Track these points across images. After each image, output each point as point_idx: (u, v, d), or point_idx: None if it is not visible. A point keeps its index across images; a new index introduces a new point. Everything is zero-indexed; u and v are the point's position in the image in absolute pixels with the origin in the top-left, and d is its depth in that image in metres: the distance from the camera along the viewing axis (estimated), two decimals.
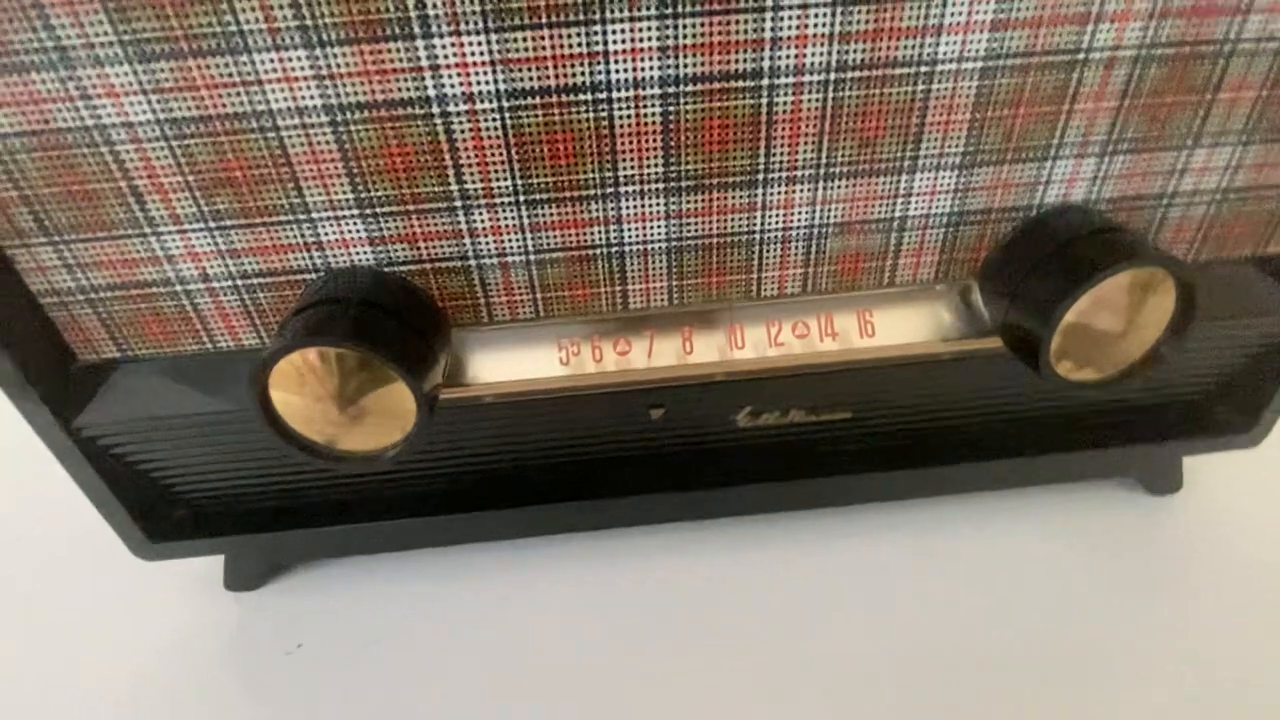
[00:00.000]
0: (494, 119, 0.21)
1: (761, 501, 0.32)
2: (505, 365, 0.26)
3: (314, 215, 0.23)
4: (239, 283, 0.24)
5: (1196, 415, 0.32)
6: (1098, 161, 0.24)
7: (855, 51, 0.21)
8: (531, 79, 0.21)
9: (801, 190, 0.23)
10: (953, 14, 0.21)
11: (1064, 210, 0.25)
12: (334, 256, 0.24)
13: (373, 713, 0.27)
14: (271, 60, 0.20)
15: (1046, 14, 0.21)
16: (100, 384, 0.26)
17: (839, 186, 0.23)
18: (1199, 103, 0.23)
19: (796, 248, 0.25)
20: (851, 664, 0.28)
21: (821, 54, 0.21)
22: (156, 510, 0.29)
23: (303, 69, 0.20)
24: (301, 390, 0.22)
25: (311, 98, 0.21)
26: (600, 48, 0.20)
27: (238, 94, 0.20)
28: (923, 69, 0.21)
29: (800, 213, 0.24)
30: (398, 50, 0.20)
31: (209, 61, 0.20)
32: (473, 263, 0.24)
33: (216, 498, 0.30)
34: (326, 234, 0.23)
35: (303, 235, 0.23)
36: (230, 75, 0.20)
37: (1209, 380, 0.31)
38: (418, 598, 0.31)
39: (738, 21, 0.20)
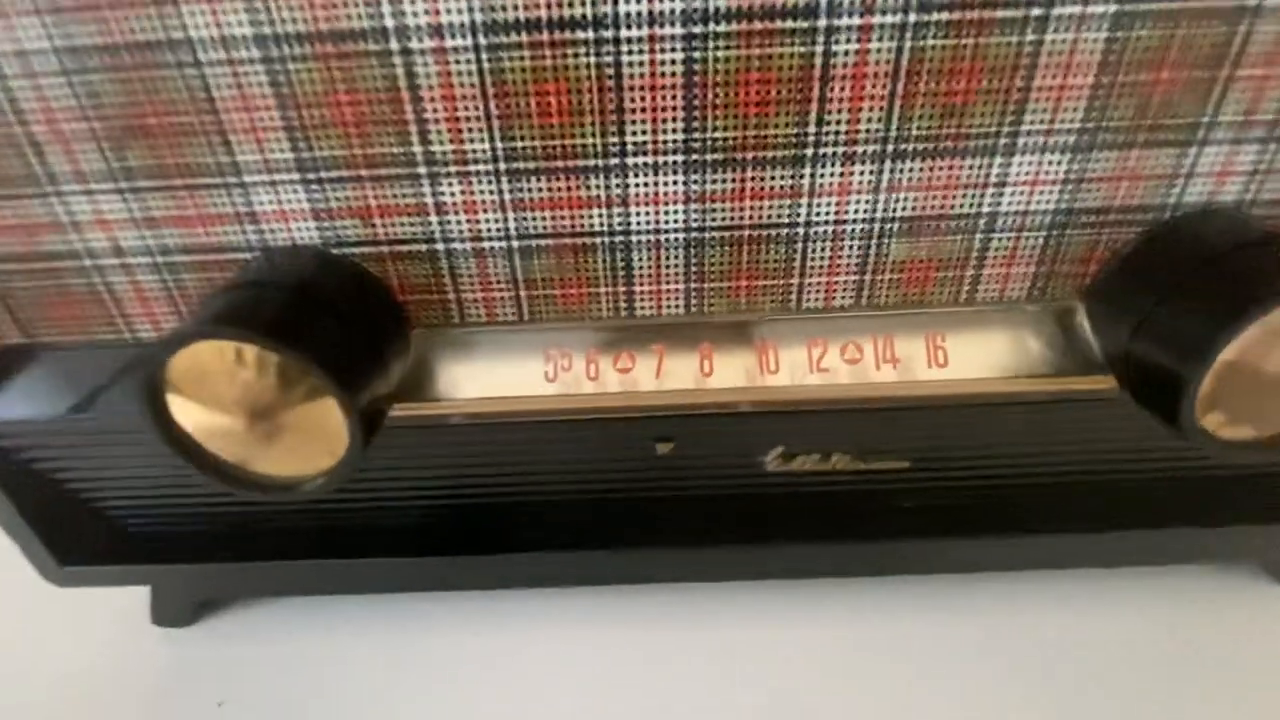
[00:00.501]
0: (467, 60, 0.17)
1: (791, 565, 0.27)
2: (478, 378, 0.22)
3: (245, 179, 0.19)
4: (159, 259, 0.20)
5: None
6: (1260, 150, 0.19)
7: None
8: (516, 9, 0.17)
9: (862, 172, 0.19)
10: None
11: (1209, 215, 0.20)
12: (271, 232, 0.20)
13: None
14: None
15: None
16: (1, 375, 0.22)
17: (911, 169, 0.19)
18: None
19: (851, 247, 0.20)
20: None
21: None
22: (70, 529, 0.25)
23: None
24: (207, 395, 0.18)
25: (240, 24, 0.17)
26: None
27: (150, 17, 0.17)
28: (1034, 11, 0.17)
29: (859, 201, 0.19)
30: None
31: None
32: (440, 246, 0.20)
33: (140, 519, 0.26)
34: (261, 203, 0.19)
35: (233, 203, 0.19)
36: None
37: None
38: (366, 649, 0.27)
39: None
